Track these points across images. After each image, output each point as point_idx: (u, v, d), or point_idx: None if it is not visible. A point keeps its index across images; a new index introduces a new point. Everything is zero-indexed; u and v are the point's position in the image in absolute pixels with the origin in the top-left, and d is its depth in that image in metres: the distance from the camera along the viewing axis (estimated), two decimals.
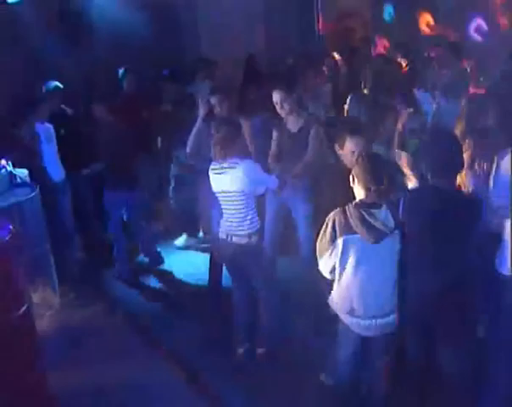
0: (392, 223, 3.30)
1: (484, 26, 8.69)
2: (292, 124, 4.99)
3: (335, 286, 3.52)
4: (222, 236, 4.35)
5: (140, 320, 5.19)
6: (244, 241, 4.26)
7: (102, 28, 7.54)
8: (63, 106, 6.34)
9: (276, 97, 4.94)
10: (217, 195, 4.34)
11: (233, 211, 4.24)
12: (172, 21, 8.59)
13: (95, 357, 4.55)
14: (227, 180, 4.19)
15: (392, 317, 3.44)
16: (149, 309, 5.42)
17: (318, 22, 9.40)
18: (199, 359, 4.51)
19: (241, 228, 4.24)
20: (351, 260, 3.37)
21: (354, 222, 3.30)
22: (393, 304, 3.43)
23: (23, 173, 5.20)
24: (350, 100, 5.57)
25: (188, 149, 5.32)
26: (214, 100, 5.18)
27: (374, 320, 3.42)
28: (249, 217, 4.25)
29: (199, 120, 5.21)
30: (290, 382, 4.09)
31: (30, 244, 4.70)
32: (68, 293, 5.36)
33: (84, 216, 6.21)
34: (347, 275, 3.42)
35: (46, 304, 5.10)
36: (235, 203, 4.22)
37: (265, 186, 4.46)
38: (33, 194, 4.96)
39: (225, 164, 4.19)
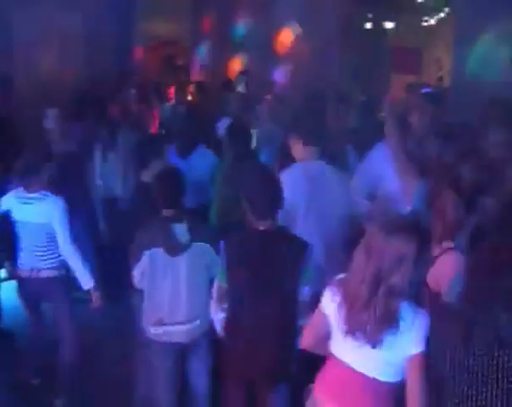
0: (188, 238, 3.55)
1: None
2: None
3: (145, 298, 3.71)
4: (25, 269, 4.25)
5: None
6: (52, 274, 4.22)
7: None
8: None
9: None
10: (21, 226, 4.20)
11: (39, 243, 4.20)
12: None
13: None
14: (36, 211, 4.13)
15: (198, 322, 3.66)
16: None
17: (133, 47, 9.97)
18: None
19: (49, 260, 4.23)
20: (157, 272, 3.61)
21: (159, 236, 3.56)
22: (199, 311, 3.64)
23: None
24: None
25: None
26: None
27: (181, 326, 3.65)
28: (56, 250, 4.22)
29: None
30: None
31: None
32: None
33: None
34: (155, 286, 3.65)
35: None
36: (41, 234, 4.18)
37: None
38: None
39: (33, 195, 4.14)
